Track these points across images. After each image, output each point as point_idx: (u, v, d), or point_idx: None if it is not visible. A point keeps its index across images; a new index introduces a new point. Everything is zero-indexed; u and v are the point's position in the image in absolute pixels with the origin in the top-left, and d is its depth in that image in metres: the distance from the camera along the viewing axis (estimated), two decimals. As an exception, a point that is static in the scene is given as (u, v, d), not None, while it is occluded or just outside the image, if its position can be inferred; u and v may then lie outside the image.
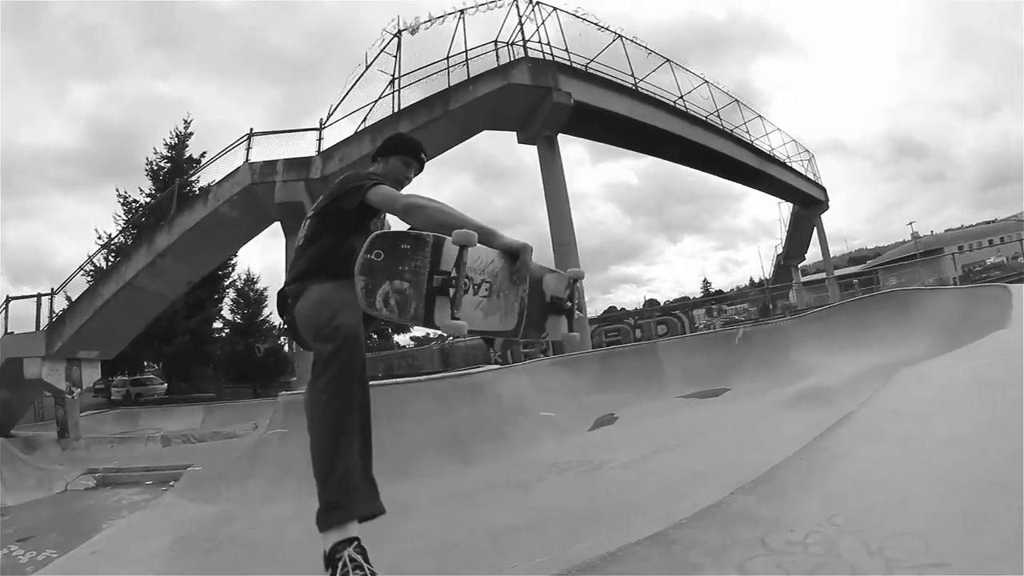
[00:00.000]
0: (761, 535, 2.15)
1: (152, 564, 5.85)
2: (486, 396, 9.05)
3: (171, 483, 9.53)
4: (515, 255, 2.69)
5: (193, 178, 26.50)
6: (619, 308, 36.76)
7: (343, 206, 2.82)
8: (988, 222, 61.06)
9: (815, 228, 36.54)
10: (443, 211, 2.54)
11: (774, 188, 32.65)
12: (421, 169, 3.16)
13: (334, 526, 2.52)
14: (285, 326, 3.02)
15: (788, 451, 3.21)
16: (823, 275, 38.20)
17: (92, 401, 30.07)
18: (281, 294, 3.01)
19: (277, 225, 17.60)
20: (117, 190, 35.85)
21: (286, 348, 32.78)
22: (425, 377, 11.09)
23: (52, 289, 18.65)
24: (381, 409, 8.36)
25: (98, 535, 6.92)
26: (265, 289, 38.49)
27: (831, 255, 38.87)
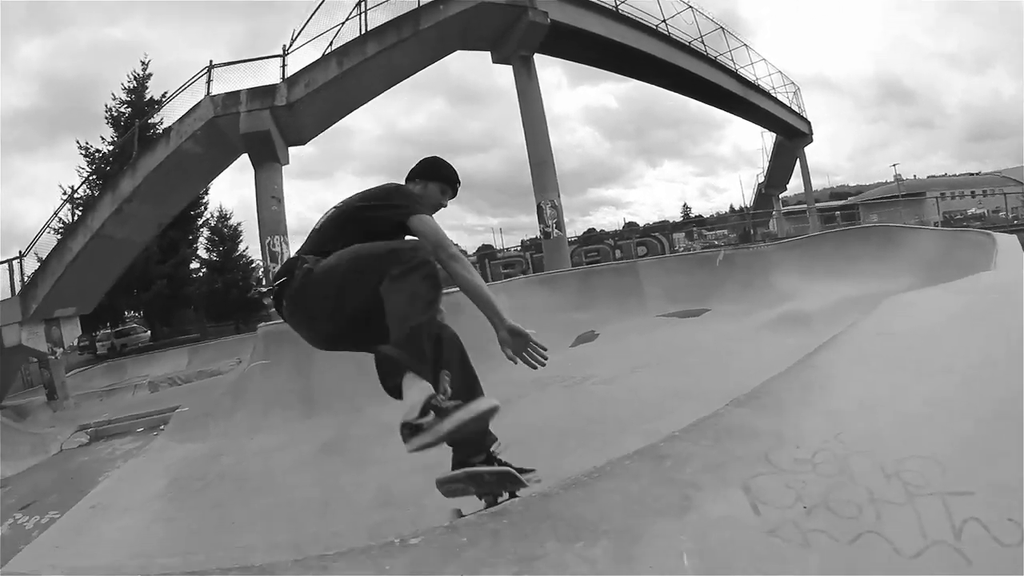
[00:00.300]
0: (763, 451, 1.99)
1: (149, 509, 5.94)
2: (467, 315, 8.71)
3: (161, 427, 9.53)
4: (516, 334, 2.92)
5: (155, 119, 25.00)
6: (598, 230, 36.51)
7: (382, 216, 2.83)
8: (972, 174, 60.48)
9: (797, 160, 35.99)
10: (473, 281, 2.81)
11: (757, 117, 31.89)
12: (455, 196, 3.22)
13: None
14: (277, 290, 2.84)
15: (773, 371, 3.03)
16: (804, 207, 37.92)
17: (79, 359, 29.74)
18: (293, 260, 2.86)
19: (245, 158, 17.05)
20: (78, 142, 34.10)
21: (264, 284, 32.37)
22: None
23: (20, 252, 18.00)
24: None
25: (95, 489, 6.97)
26: (239, 224, 37.33)
27: (813, 189, 38.60)
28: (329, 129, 18.38)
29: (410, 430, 2.42)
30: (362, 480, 5.36)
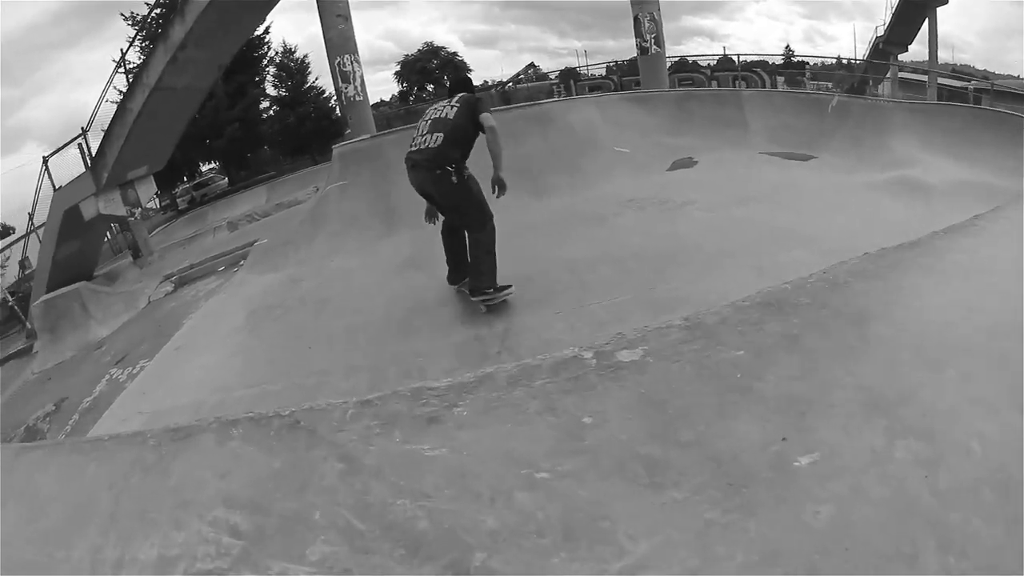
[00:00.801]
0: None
1: (229, 343, 5.84)
2: (557, 127, 8.36)
3: (240, 263, 9.47)
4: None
5: None
6: (690, 60, 33.96)
7: (478, 111, 4.63)
8: None
9: (926, 21, 31.74)
10: (498, 143, 4.56)
11: None
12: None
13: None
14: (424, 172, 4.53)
15: (892, 232, 2.44)
16: (925, 77, 33.49)
17: (162, 218, 30.47)
18: (441, 156, 4.45)
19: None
20: (122, 14, 33.18)
21: (337, 111, 31.83)
22: (492, 110, 10.36)
23: (82, 129, 17.82)
24: None
25: (178, 332, 6.94)
26: (306, 56, 35.86)
27: (937, 60, 33.96)
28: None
29: (476, 293, 4.56)
30: (446, 296, 5.06)
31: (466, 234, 4.66)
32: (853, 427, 1.15)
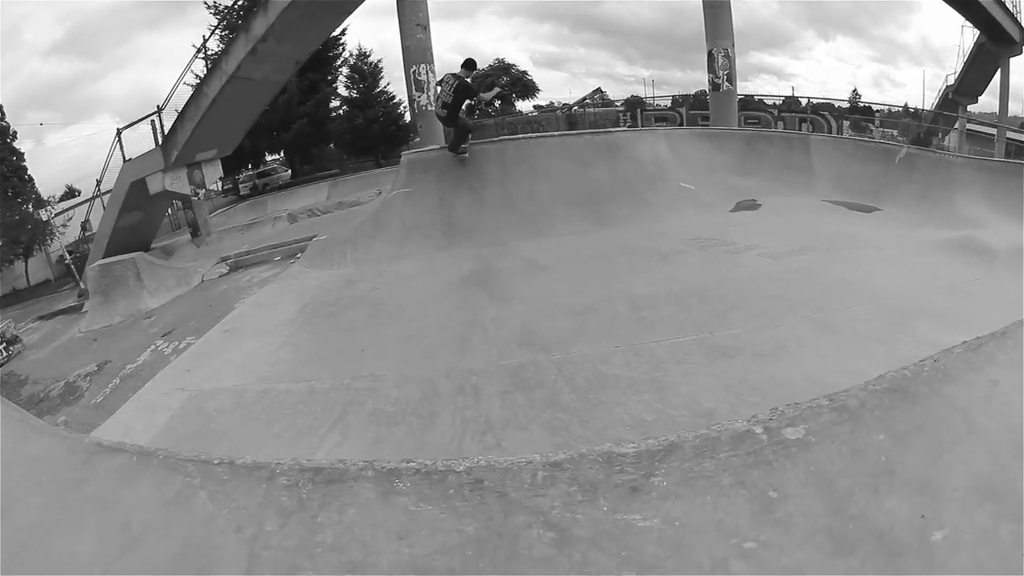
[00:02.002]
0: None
1: (279, 334, 5.88)
2: (625, 157, 8.37)
3: (298, 256, 9.62)
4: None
5: None
6: (757, 98, 33.48)
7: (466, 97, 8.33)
8: None
9: (998, 71, 30.80)
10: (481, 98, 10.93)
11: (960, 5, 27.23)
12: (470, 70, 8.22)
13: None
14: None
15: (953, 297, 2.40)
16: (993, 130, 32.32)
17: (223, 201, 31.28)
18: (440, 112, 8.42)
19: (379, 2, 16.35)
20: (205, 2, 34.24)
21: (408, 117, 32.22)
22: (559, 134, 10.37)
23: (158, 107, 18.42)
24: (512, 164, 7.70)
25: (229, 315, 7.05)
26: (380, 61, 36.77)
27: (1007, 112, 32.80)
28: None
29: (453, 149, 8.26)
30: (504, 316, 5.05)
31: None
32: (969, 509, 1.27)
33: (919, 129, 33.06)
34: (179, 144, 17.19)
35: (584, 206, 7.53)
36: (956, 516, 1.24)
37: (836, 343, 4.05)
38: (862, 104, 40.13)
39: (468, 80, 8.24)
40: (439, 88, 8.55)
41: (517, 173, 7.85)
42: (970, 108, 35.14)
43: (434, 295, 5.90)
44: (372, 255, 7.60)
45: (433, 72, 15.50)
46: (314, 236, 10.24)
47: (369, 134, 35.49)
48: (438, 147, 9.67)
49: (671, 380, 3.64)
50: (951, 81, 34.20)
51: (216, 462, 1.48)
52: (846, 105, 37.82)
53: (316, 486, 1.23)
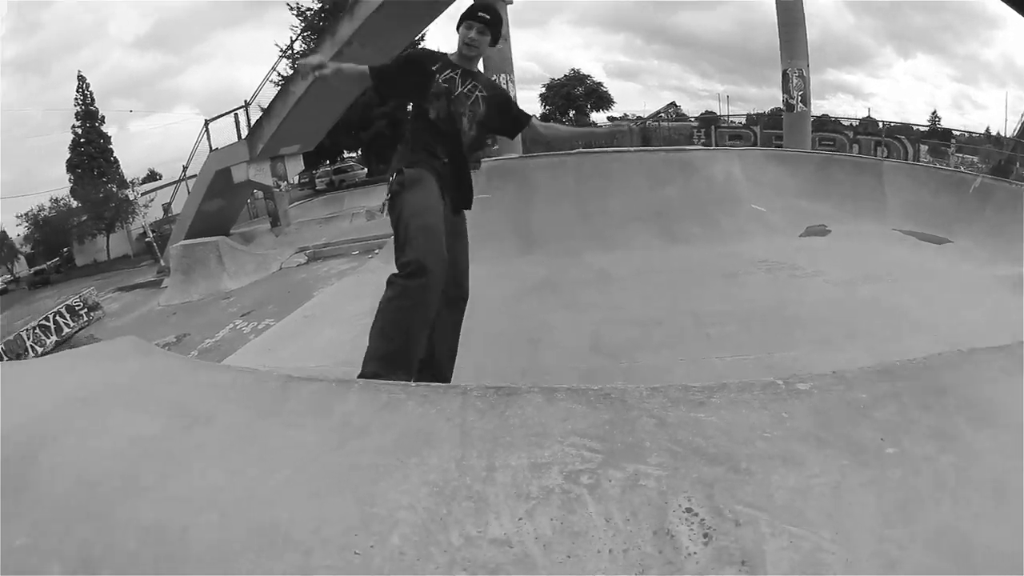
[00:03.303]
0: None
1: (358, 323, 6.00)
2: (699, 176, 8.55)
3: (376, 251, 9.91)
4: None
5: None
6: (832, 118, 32.89)
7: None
8: None
9: None
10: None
11: None
12: (477, 20, 3.32)
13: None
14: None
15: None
16: None
17: (300, 194, 32.48)
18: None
19: (459, 6, 16.72)
20: (288, 4, 35.52)
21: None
22: (635, 149, 10.61)
23: (245, 102, 19.59)
24: (588, 177, 8.00)
25: (309, 301, 7.38)
26: (463, 69, 37.41)
27: None
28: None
29: None
30: (576, 323, 5.31)
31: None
32: (920, 442, 1.52)
33: (1000, 156, 31.85)
34: (264, 137, 18.09)
35: (656, 222, 7.73)
36: (907, 444, 1.49)
37: None
38: (941, 127, 38.87)
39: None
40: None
41: (592, 186, 8.04)
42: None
43: (509, 298, 6.17)
44: (449, 256, 7.96)
45: (513, 82, 15.93)
46: (391, 234, 10.66)
47: (448, 138, 36.39)
48: (517, 156, 10.03)
49: None
50: (1037, 107, 32.61)
51: (414, 385, 1.94)
52: (925, 128, 36.71)
53: (499, 396, 1.67)
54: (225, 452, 1.60)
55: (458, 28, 3.33)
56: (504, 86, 15.68)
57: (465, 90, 3.26)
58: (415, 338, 2.95)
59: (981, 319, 5.19)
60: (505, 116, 3.59)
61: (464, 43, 3.30)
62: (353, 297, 7.27)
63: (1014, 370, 1.75)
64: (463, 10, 3.35)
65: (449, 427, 1.54)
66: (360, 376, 2.75)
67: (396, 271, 3.07)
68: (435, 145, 3.28)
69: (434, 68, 3.27)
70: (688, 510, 1.24)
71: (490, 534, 1.21)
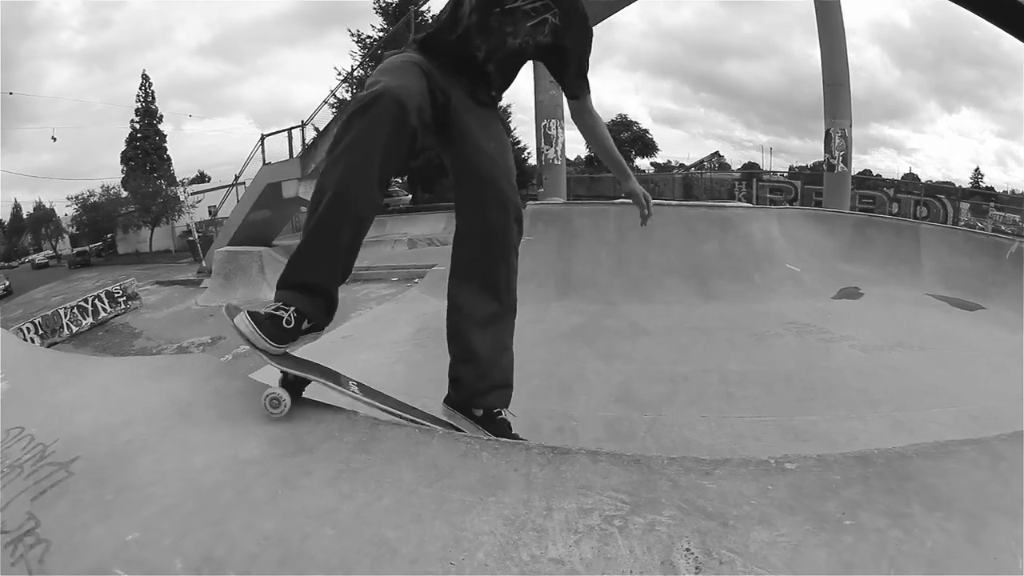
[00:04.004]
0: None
1: (395, 349, 6.42)
2: (736, 234, 8.79)
3: (415, 280, 10.14)
4: None
5: (424, 7, 26.15)
6: (875, 174, 32.74)
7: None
8: None
9: None
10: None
11: None
12: None
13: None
14: None
15: None
16: None
17: None
18: None
19: None
20: (349, 30, 36.91)
21: (530, 161, 33.32)
22: (675, 203, 10.91)
23: (302, 122, 20.46)
24: (629, 228, 8.29)
25: (348, 322, 7.62)
26: (509, 105, 38.54)
27: None
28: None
29: None
30: (606, 372, 5.50)
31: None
32: (874, 518, 1.69)
33: (1040, 214, 31.18)
34: (317, 158, 18.71)
35: (692, 278, 7.98)
36: (863, 518, 1.68)
37: (907, 442, 4.39)
38: (984, 185, 38.20)
39: None
40: None
41: (632, 237, 8.23)
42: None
43: (543, 342, 6.33)
44: (485, 295, 8.28)
45: (563, 128, 16.39)
46: (433, 265, 10.80)
47: (494, 174, 36.87)
48: (562, 201, 10.39)
49: (747, 453, 3.89)
50: (1081, 162, 31.90)
51: (486, 438, 2.24)
52: (968, 184, 36.11)
53: (556, 454, 1.95)
54: (332, 479, 1.90)
55: None
56: (553, 131, 16.16)
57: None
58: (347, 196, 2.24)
59: (1008, 389, 5.18)
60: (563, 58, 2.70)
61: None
62: (391, 323, 7.54)
63: (983, 462, 2.03)
64: None
65: (516, 476, 1.86)
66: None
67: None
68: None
69: None
70: (687, 550, 1.55)
71: (549, 555, 1.55)
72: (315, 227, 2.23)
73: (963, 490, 1.82)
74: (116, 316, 16.56)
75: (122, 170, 48.10)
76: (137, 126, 46.90)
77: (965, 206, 30.86)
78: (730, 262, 8.31)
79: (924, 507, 1.73)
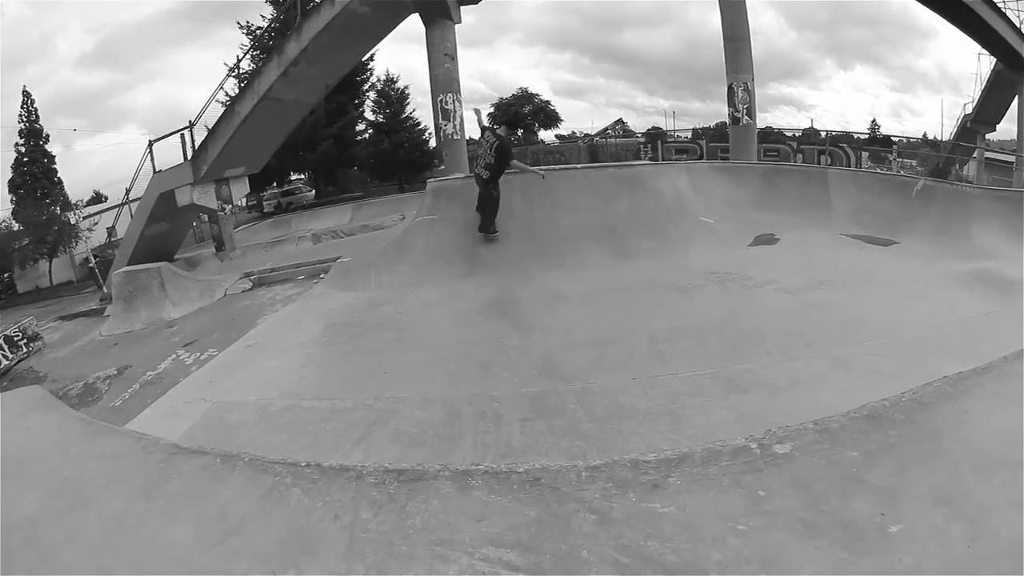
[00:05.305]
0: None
1: (302, 352, 6.01)
2: (646, 191, 8.56)
3: (321, 276, 9.79)
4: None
5: None
6: (776, 130, 33.58)
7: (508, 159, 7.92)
8: None
9: (1016, 98, 30.51)
10: (519, 167, 8.29)
11: (973, 29, 26.79)
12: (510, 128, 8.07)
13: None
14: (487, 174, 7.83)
15: (964, 331, 3.07)
16: (1012, 157, 31.81)
17: (247, 217, 31.95)
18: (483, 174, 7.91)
19: (410, 23, 16.67)
20: (239, 22, 35.19)
21: (431, 143, 32.69)
22: (582, 167, 10.52)
23: (190, 122, 19.02)
24: (536, 196, 7.90)
25: (252, 330, 7.20)
26: (406, 87, 37.34)
27: None
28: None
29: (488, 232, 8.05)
30: (527, 345, 5.18)
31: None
32: (925, 511, 1.59)
33: (938, 159, 32.77)
34: (209, 159, 17.59)
35: (606, 239, 7.70)
36: (912, 515, 1.56)
37: (849, 378, 4.14)
38: (881, 135, 40.03)
39: (509, 141, 8.16)
40: (481, 142, 8.42)
41: (541, 205, 8.02)
42: (988, 136, 34.72)
43: (457, 322, 6.04)
44: (395, 280, 7.75)
45: (459, 102, 15.82)
46: (338, 258, 10.47)
47: (394, 159, 35.96)
48: (463, 176, 9.84)
49: (687, 412, 3.76)
50: (969, 110, 33.97)
51: (304, 464, 1.75)
52: (865, 136, 37.77)
53: (401, 483, 1.52)
54: (98, 547, 1.37)
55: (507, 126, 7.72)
56: (450, 106, 15.56)
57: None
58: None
59: (932, 315, 5.35)
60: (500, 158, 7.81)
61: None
62: (297, 324, 7.07)
63: (1008, 395, 1.71)
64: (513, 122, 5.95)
65: (337, 527, 1.35)
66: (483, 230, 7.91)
67: (492, 213, 7.85)
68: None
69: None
70: None
71: None
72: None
73: (1007, 438, 1.78)
74: (19, 362, 15.33)
75: (11, 200, 44.58)
76: (22, 149, 43.47)
77: (865, 155, 32.16)
78: (643, 219, 8.07)
79: (978, 476, 1.65)
